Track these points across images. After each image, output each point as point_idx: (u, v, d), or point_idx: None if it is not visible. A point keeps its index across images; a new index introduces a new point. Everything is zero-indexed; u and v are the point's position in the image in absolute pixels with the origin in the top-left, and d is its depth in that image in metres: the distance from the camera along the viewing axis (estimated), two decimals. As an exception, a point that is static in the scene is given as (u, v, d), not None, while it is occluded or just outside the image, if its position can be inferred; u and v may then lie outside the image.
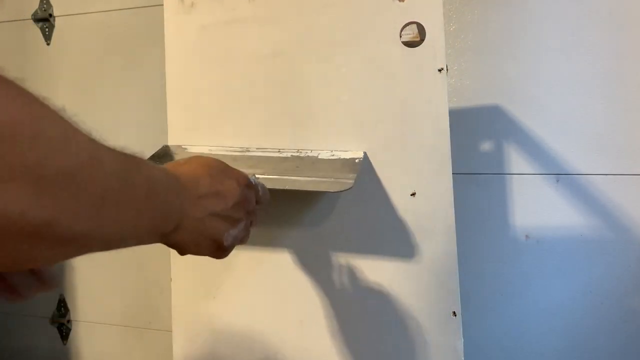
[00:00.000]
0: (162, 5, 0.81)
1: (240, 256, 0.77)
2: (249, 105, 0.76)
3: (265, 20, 0.75)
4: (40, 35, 1.42)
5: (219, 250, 0.48)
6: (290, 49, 0.74)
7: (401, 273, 0.70)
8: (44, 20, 1.40)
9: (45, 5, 1.41)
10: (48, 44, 1.41)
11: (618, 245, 1.05)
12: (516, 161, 1.09)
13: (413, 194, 0.69)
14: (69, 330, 1.44)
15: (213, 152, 0.76)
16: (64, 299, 1.44)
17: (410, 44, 0.69)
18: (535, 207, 1.08)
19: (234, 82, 0.77)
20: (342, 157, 0.70)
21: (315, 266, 0.74)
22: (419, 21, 0.68)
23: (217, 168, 0.49)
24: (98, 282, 1.41)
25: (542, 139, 1.07)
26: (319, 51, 0.73)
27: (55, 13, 1.41)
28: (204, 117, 0.79)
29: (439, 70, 0.68)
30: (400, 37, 0.69)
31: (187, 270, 0.80)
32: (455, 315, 0.68)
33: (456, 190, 0.68)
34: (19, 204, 0.25)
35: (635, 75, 1.03)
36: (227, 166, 0.51)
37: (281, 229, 0.75)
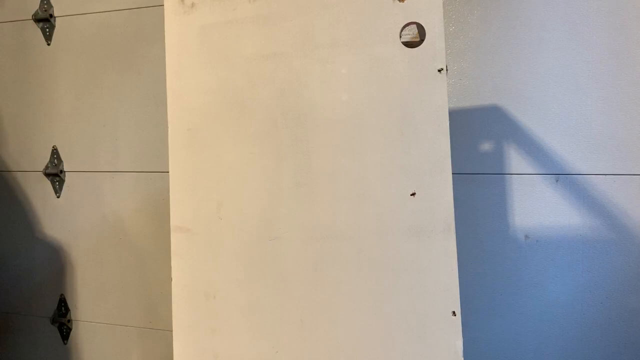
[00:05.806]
0: (162, 5, 0.81)
1: (240, 256, 0.77)
2: (248, 105, 0.77)
3: (265, 21, 0.75)
4: (41, 35, 1.42)
5: None
6: (290, 49, 0.74)
7: (401, 273, 0.70)
8: (45, 20, 1.40)
9: (45, 6, 1.41)
10: (48, 44, 1.41)
11: (618, 245, 1.05)
12: (516, 161, 1.09)
13: (413, 194, 0.69)
14: (69, 330, 1.44)
15: None
16: (64, 299, 1.44)
17: (410, 44, 0.69)
18: (535, 207, 1.08)
19: (233, 82, 0.77)
20: None
21: (315, 266, 0.74)
22: (419, 21, 0.68)
23: None
24: (98, 282, 1.41)
25: (542, 139, 1.07)
26: (319, 51, 0.73)
27: (55, 13, 1.41)
28: (203, 117, 0.79)
29: (439, 71, 0.68)
30: (400, 37, 0.69)
31: (187, 270, 0.80)
32: (455, 315, 0.68)
33: (456, 190, 0.68)
34: None
35: (635, 75, 1.03)
36: None
37: (280, 229, 0.75)
